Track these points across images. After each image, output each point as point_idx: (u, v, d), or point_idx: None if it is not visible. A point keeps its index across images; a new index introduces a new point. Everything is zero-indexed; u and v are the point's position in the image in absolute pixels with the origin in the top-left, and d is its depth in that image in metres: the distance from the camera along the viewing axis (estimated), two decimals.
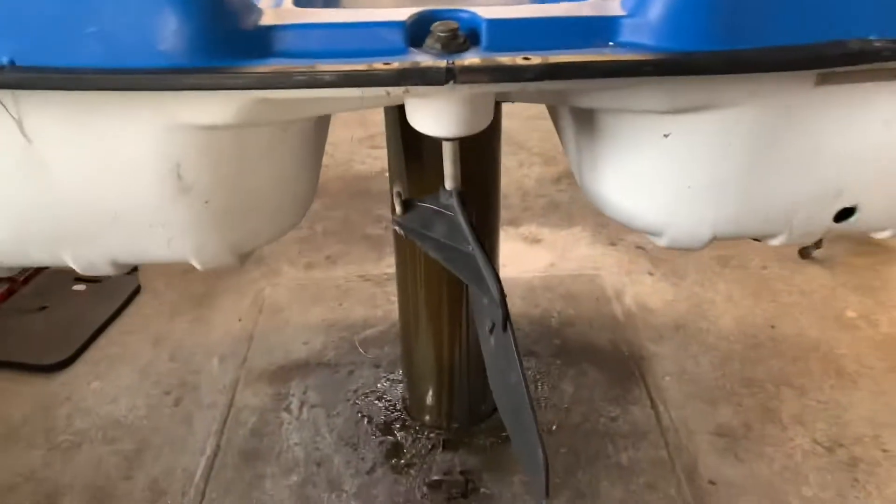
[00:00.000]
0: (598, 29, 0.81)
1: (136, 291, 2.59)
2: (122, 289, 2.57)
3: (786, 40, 0.78)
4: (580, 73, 0.76)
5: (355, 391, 2.15)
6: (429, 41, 0.80)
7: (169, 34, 0.74)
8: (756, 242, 2.83)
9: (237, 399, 2.13)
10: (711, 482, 1.87)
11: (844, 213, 0.93)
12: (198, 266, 0.92)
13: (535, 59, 0.75)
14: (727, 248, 2.73)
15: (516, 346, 0.87)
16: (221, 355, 2.30)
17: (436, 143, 1.34)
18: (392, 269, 2.70)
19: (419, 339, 1.91)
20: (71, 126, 0.80)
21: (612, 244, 2.76)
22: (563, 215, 2.91)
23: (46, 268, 2.69)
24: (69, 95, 0.77)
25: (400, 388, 2.14)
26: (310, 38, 0.78)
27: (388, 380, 2.19)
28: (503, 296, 0.88)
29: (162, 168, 0.83)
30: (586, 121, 0.95)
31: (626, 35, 0.81)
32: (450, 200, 0.95)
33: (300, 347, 2.33)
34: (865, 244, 2.75)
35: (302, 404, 2.11)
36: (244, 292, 2.59)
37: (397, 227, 1.03)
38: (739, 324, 2.39)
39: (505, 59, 0.76)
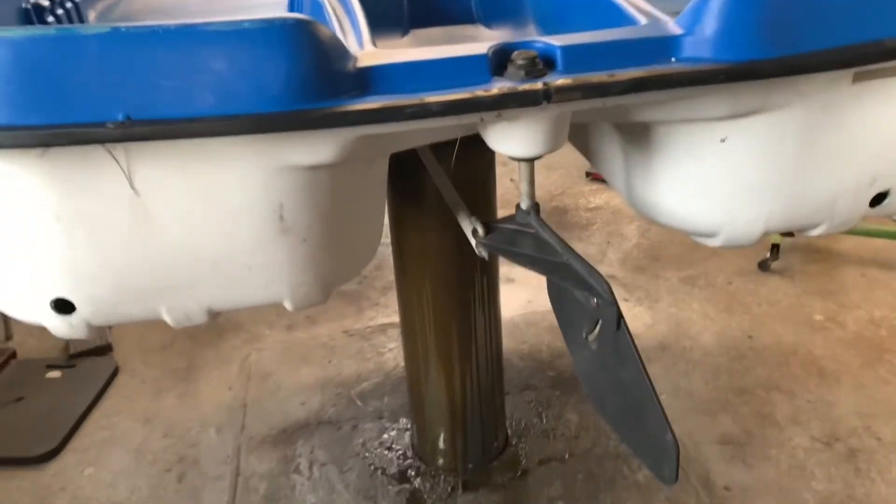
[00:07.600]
0: (659, 47, 0.89)
1: (115, 373, 2.50)
2: (99, 372, 2.48)
3: (825, 44, 0.87)
4: (660, 84, 0.83)
5: (363, 444, 2.13)
6: (511, 69, 0.85)
7: (280, 80, 0.77)
8: (718, 260, 2.93)
9: (243, 467, 2.08)
10: (727, 488, 1.93)
11: (878, 198, 1.03)
12: (290, 307, 0.93)
13: (621, 76, 0.82)
14: (692, 269, 2.86)
15: (632, 341, 0.91)
16: (218, 426, 2.25)
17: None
18: (375, 322, 2.73)
19: (429, 383, 1.92)
20: (178, 176, 0.81)
21: None
22: None
23: (14, 358, 2.58)
24: (179, 145, 0.79)
25: (407, 436, 2.14)
26: (404, 75, 0.82)
27: (394, 429, 2.18)
28: (613, 295, 0.93)
29: (264, 210, 0.85)
30: (638, 136, 1.02)
31: (685, 51, 0.88)
32: (527, 219, 1.00)
33: (298, 408, 2.30)
34: (816, 252, 2.93)
35: (311, 464, 2.08)
36: (228, 361, 2.55)
37: (481, 249, 1.06)
38: (719, 338, 2.49)
39: (593, 77, 0.83)
